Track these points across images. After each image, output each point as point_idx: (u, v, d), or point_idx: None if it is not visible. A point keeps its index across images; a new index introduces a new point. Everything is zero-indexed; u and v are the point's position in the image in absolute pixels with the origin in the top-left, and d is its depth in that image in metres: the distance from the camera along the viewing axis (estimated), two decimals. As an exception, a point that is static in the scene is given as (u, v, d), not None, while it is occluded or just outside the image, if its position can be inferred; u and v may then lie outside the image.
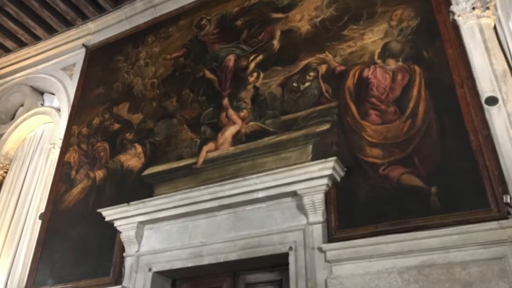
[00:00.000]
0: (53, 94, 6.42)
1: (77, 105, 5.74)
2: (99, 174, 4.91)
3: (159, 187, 4.34)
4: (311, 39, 4.32)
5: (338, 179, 3.43)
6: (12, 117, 6.65)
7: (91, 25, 6.34)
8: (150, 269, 3.97)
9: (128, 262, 4.13)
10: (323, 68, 4.07)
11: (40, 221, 5.04)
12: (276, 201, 3.62)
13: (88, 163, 5.10)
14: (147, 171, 4.54)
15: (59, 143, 5.55)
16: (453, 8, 3.68)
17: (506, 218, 2.78)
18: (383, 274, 2.97)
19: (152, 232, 4.17)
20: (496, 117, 3.15)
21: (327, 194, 3.41)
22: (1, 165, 6.12)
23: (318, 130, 3.74)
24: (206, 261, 3.73)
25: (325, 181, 3.38)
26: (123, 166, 4.77)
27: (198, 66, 4.98)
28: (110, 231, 4.29)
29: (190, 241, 3.90)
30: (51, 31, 6.55)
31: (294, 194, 3.51)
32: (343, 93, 3.83)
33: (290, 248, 3.38)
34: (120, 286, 4.01)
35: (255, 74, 4.47)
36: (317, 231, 3.35)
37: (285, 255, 3.40)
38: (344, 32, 4.14)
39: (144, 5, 5.90)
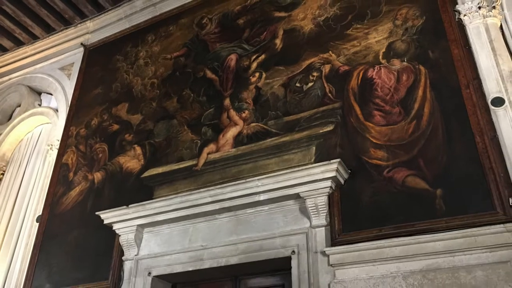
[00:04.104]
0: (50, 94, 6.48)
1: (75, 105, 5.80)
2: (98, 176, 4.95)
3: (158, 189, 4.38)
4: (314, 38, 4.36)
5: (342, 181, 3.46)
6: (9, 118, 6.72)
7: (89, 24, 6.40)
8: (149, 273, 4.01)
9: (127, 266, 4.16)
10: (326, 68, 4.11)
11: (37, 224, 5.09)
12: (278, 204, 3.65)
13: (86, 164, 5.15)
14: (146, 173, 4.57)
15: (56, 144, 5.59)
16: (459, 7, 3.72)
17: (512, 221, 2.82)
18: (388, 278, 3.00)
19: (152, 236, 4.21)
20: (502, 118, 3.18)
21: (330, 197, 3.44)
22: (-3, 166, 6.19)
23: (321, 131, 3.78)
24: (206, 265, 3.77)
25: (328, 183, 3.41)
26: (122, 168, 4.81)
27: (199, 65, 5.03)
28: (108, 234, 4.33)
29: (191, 245, 3.93)
30: (49, 30, 6.63)
31: (296, 196, 3.54)
32: (347, 94, 3.87)
33: (293, 252, 3.41)
34: (119, 291, 4.06)
35: (257, 74, 4.51)
36: (320, 234, 3.39)
37: (288, 259, 3.43)
38: (348, 32, 4.19)
39: (144, 3, 5.96)
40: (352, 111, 3.75)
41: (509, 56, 3.47)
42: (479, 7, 3.63)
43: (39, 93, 6.68)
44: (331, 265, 3.22)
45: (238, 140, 4.19)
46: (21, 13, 6.30)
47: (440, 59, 3.59)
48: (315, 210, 3.43)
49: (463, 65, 3.47)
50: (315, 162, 3.61)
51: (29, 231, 5.24)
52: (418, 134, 3.38)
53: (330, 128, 3.76)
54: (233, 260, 3.66)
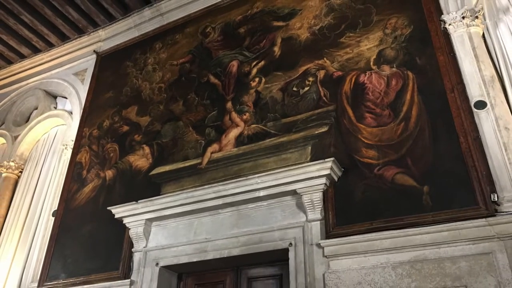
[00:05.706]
0: (65, 97, 6.48)
1: (88, 108, 5.80)
2: (109, 173, 4.95)
3: (165, 186, 4.38)
4: (310, 46, 4.36)
5: (336, 178, 3.47)
6: (27, 120, 6.70)
7: (101, 33, 6.39)
8: (157, 264, 4.01)
9: (136, 257, 4.17)
10: (321, 74, 4.11)
11: (53, 219, 5.08)
12: (277, 200, 3.66)
13: (99, 163, 5.14)
14: (154, 171, 4.57)
15: (71, 144, 5.59)
16: (444, 17, 3.73)
17: (494, 215, 2.82)
18: (378, 268, 3.00)
19: (159, 229, 4.21)
20: (484, 120, 3.19)
21: (325, 193, 3.44)
22: (16, 165, 6.17)
23: (316, 132, 3.78)
24: (210, 256, 3.77)
25: (323, 180, 3.41)
26: (132, 166, 4.81)
27: (203, 71, 5.02)
28: (119, 228, 4.33)
29: (195, 237, 3.94)
30: (64, 38, 6.62)
31: (294, 193, 3.55)
32: (340, 97, 3.87)
33: (290, 244, 3.42)
34: (128, 280, 4.05)
35: (257, 79, 4.51)
36: (316, 228, 3.39)
37: (285, 251, 3.43)
38: (342, 40, 4.19)
39: (152, 13, 5.96)
40: (345, 113, 3.75)
41: (490, 63, 3.48)
42: (463, 17, 3.64)
43: (54, 97, 6.67)
44: (326, 256, 3.22)
45: (239, 140, 4.19)
46: (38, 22, 6.31)
47: (427, 65, 3.59)
48: (311, 205, 3.43)
49: (448, 70, 3.47)
50: (311, 160, 3.61)
51: (46, 225, 5.23)
52: (406, 134, 3.39)
53: (324, 129, 3.76)
54: (235, 252, 3.66)
